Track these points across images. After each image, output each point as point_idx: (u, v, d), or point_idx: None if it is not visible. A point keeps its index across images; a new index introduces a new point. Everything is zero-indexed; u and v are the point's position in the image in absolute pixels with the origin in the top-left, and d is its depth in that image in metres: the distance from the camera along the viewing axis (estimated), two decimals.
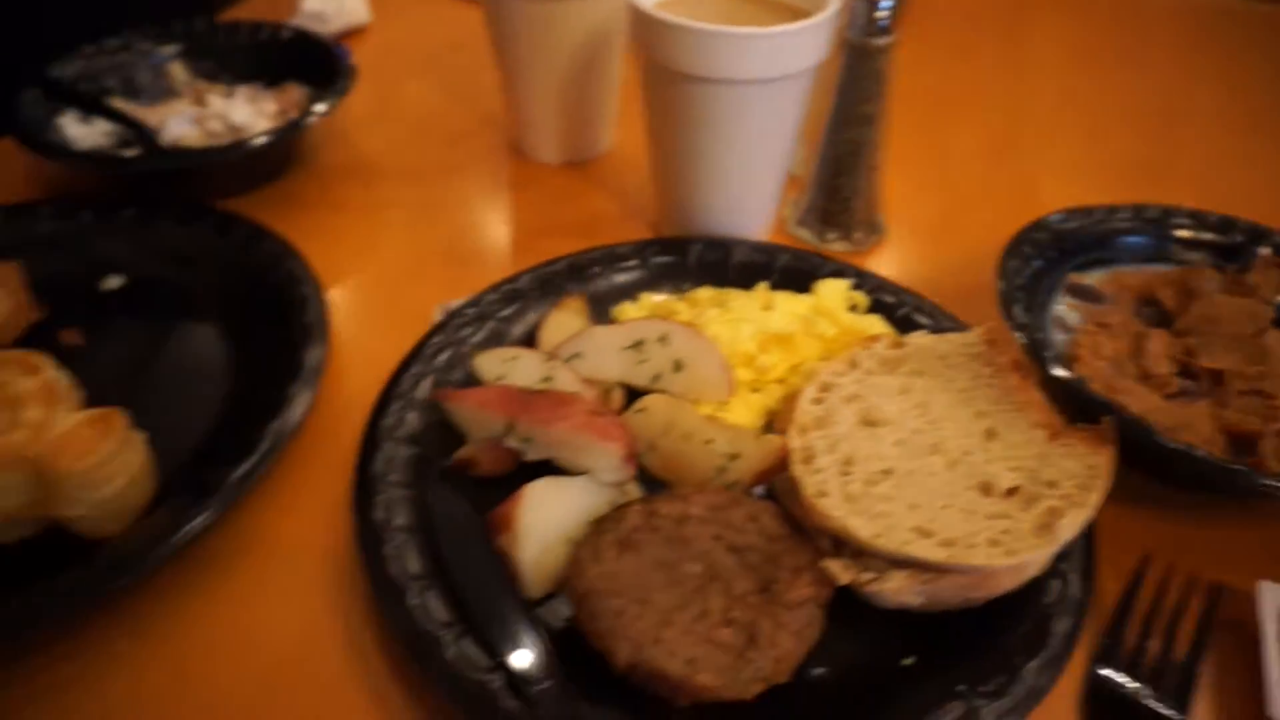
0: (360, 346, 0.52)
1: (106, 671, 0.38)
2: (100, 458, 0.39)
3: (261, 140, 0.58)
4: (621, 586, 0.39)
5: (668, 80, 0.52)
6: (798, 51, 0.51)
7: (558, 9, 0.59)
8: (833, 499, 0.39)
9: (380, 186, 0.66)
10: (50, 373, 0.43)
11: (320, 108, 0.61)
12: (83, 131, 0.63)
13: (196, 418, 0.47)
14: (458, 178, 0.67)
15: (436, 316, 0.52)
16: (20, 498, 0.39)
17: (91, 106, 0.58)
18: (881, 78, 0.55)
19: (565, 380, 0.45)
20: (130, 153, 0.61)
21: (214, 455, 0.44)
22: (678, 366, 0.46)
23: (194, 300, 0.54)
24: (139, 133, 0.59)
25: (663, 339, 0.47)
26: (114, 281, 0.55)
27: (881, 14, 0.53)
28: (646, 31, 0.51)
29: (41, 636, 0.38)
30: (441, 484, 0.43)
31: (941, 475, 0.40)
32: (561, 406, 0.43)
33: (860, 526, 0.38)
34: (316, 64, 0.68)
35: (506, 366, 0.46)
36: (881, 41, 0.54)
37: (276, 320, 0.51)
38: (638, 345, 0.47)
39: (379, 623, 0.40)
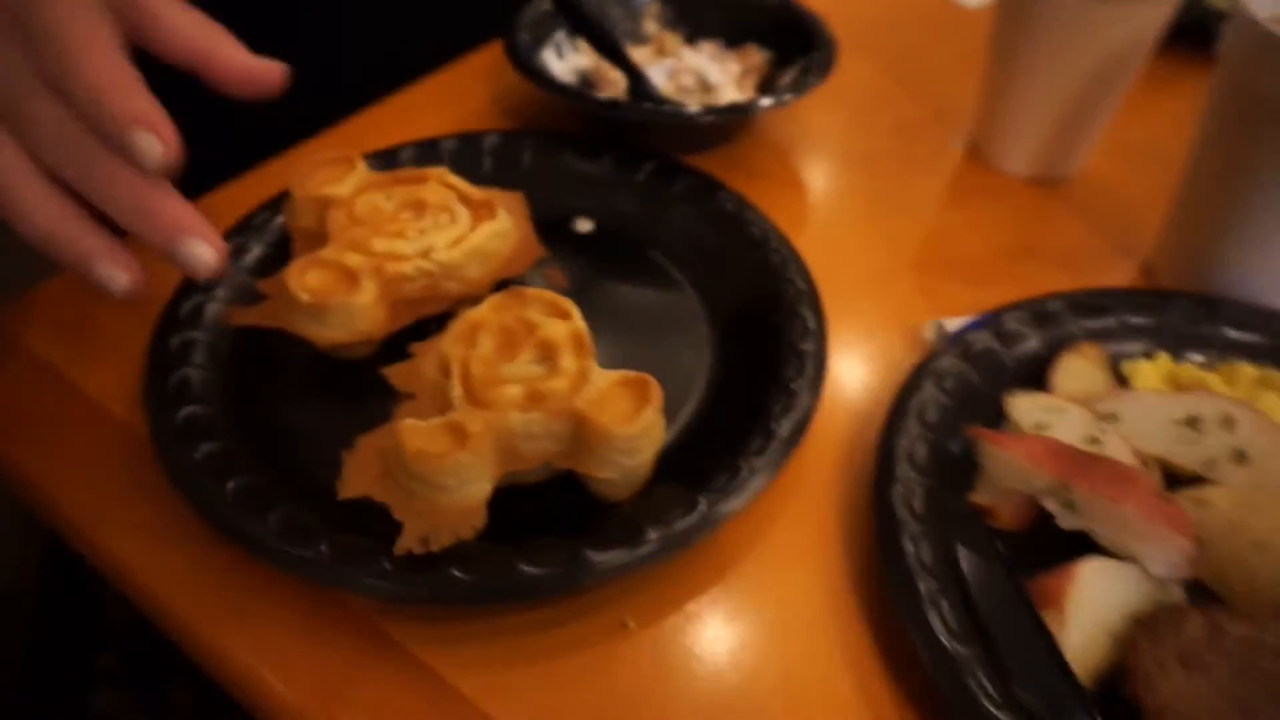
0: (835, 344, 0.48)
1: (611, 646, 0.37)
2: (643, 425, 0.38)
3: (767, 104, 0.55)
4: (1197, 714, 0.33)
5: (1266, 114, 0.45)
6: None
7: (1105, 11, 0.52)
8: None
9: (833, 169, 0.62)
10: (579, 320, 0.42)
11: (812, 79, 0.57)
12: (557, 67, 0.63)
13: (678, 394, 0.45)
14: (913, 174, 0.62)
15: (928, 334, 0.48)
16: (556, 447, 0.39)
17: (597, 37, 0.57)
18: None
19: (1116, 447, 0.39)
20: (597, 95, 0.61)
21: (710, 440, 0.42)
22: (1240, 458, 0.40)
23: (666, 261, 0.53)
24: (637, 80, 0.58)
25: (1226, 422, 0.40)
26: (585, 225, 0.55)
27: None
28: (1261, 53, 0.44)
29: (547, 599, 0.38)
30: (955, 525, 0.39)
31: None
32: (1126, 482, 0.37)
33: None
34: (782, 29, 0.65)
35: (1049, 416, 0.41)
36: None
37: (761, 303, 0.48)
38: (1192, 422, 0.41)
39: (895, 660, 0.37)
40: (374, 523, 0.37)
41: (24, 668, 0.90)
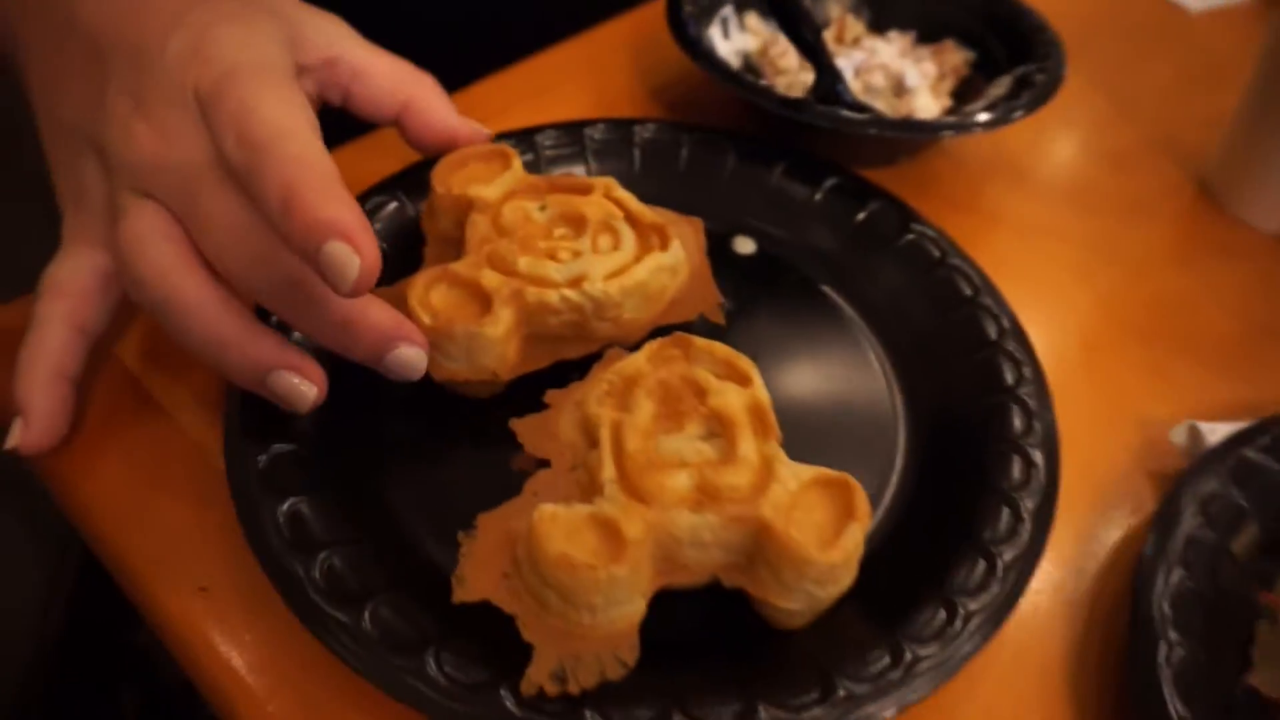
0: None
1: None
2: (848, 551, 0.29)
3: (988, 120, 0.45)
4: None
5: None
6: None
7: None
8: None
9: (1039, 203, 0.52)
10: (761, 389, 0.33)
11: (1038, 96, 0.47)
12: (722, 49, 0.54)
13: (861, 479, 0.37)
14: (1135, 217, 0.52)
15: (1178, 439, 0.39)
16: (726, 559, 0.30)
17: (792, 18, 0.46)
18: None
19: None
20: (775, 89, 0.51)
21: (905, 557, 0.34)
22: None
23: (843, 302, 0.43)
24: (827, 77, 0.47)
25: None
26: (746, 246, 0.46)
27: None
28: None
29: None
30: (1234, 715, 0.30)
31: None
32: None
33: None
34: (992, 27, 0.54)
35: None
36: None
37: (968, 379, 0.39)
38: None
39: None
40: (492, 628, 0.29)
41: (69, 607, 0.88)
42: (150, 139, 0.31)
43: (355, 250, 0.27)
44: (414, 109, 0.39)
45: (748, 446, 0.31)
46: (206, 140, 0.31)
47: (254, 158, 0.29)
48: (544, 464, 0.34)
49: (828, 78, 0.47)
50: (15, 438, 0.33)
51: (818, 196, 0.46)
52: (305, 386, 0.31)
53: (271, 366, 0.31)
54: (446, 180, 0.38)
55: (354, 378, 0.36)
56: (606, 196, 0.39)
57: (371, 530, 0.32)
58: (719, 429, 0.32)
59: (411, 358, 0.32)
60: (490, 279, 0.35)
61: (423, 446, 0.36)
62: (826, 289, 0.44)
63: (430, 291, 0.35)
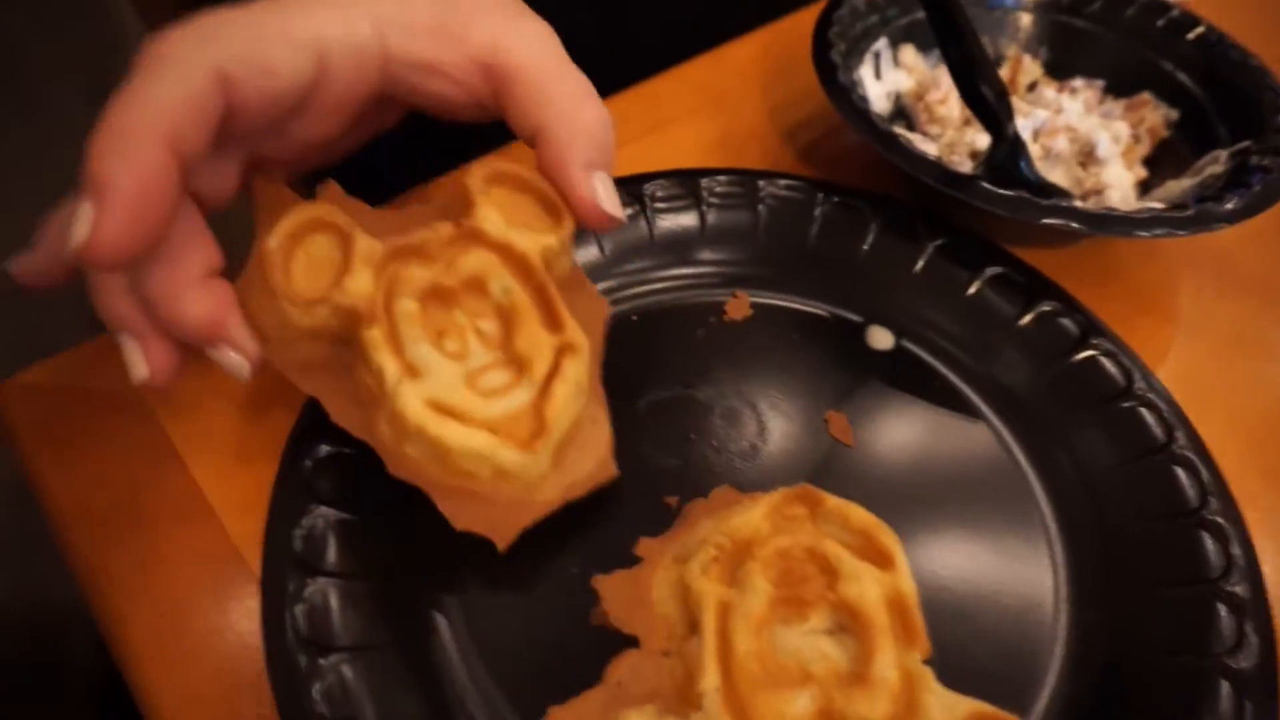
0: None
1: None
2: None
3: (1200, 220, 0.37)
4: None
5: None
6: None
7: None
8: None
9: (1249, 311, 0.43)
10: (905, 576, 0.27)
11: (1249, 191, 0.38)
12: (873, 91, 0.46)
13: (1017, 671, 0.30)
14: None
15: None
16: None
17: (967, 66, 0.37)
18: None
19: None
20: (925, 149, 0.44)
21: None
22: None
23: (991, 420, 0.36)
24: (1005, 150, 0.39)
25: None
26: (883, 340, 0.39)
27: None
28: None
29: None
30: None
31: None
32: None
33: None
34: (1205, 80, 0.45)
35: None
36: None
37: (1153, 553, 0.31)
38: None
39: None
40: None
41: None
42: None
43: (96, 217, 0.23)
44: (544, 139, 0.29)
45: (886, 662, 0.25)
46: None
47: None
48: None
49: (1007, 149, 0.39)
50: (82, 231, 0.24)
51: (975, 287, 0.39)
52: (138, 361, 0.28)
53: (119, 327, 0.28)
54: (483, 185, 0.30)
55: (417, 504, 0.31)
56: (563, 351, 0.29)
57: (423, 698, 0.27)
58: (850, 624, 0.26)
59: (232, 364, 0.28)
60: (361, 283, 0.28)
61: (488, 599, 0.30)
62: (978, 405, 0.37)
63: (314, 234, 0.29)
